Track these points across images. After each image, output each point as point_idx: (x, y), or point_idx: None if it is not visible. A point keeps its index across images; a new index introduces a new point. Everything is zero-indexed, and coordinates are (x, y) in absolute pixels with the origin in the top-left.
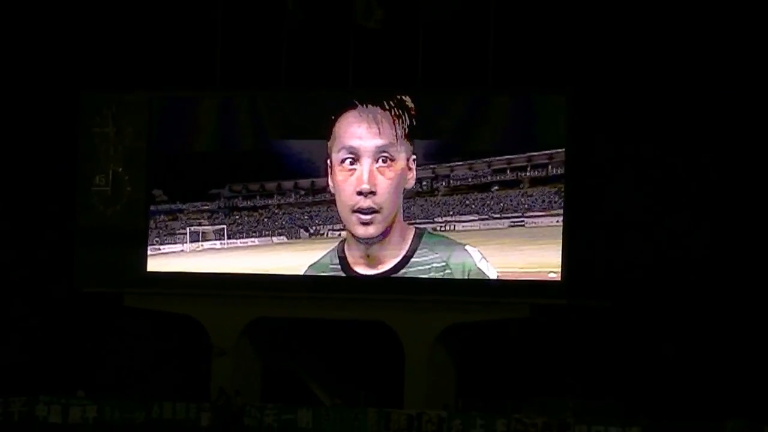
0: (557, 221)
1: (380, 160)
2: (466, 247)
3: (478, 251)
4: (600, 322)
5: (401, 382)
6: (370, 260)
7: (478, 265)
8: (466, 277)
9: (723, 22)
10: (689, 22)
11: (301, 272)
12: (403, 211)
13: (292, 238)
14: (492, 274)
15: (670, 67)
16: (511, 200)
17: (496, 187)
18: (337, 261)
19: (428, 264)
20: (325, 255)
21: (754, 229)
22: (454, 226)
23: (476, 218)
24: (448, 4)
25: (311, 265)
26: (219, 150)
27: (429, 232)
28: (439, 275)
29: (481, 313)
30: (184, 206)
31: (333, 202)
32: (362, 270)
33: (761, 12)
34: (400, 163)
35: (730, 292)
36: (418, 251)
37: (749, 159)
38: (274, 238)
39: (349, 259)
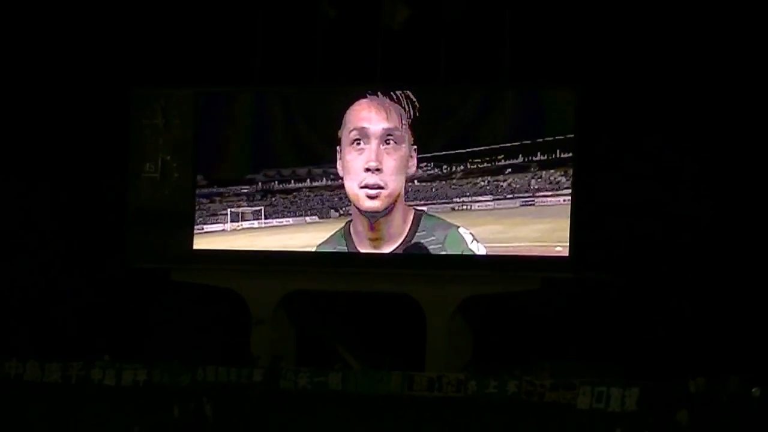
0: (564, 200)
1: (386, 142)
2: (459, 229)
3: (470, 233)
4: (603, 293)
5: (423, 348)
6: (375, 241)
7: (470, 246)
8: (453, 252)
9: (720, 21)
10: (686, 23)
11: (318, 244)
12: (417, 192)
13: (323, 218)
14: (479, 250)
15: (669, 63)
16: (522, 182)
17: (508, 170)
18: (344, 243)
19: (428, 245)
20: (332, 235)
21: (745, 210)
22: (471, 206)
23: (490, 199)
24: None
25: (320, 243)
26: (255, 139)
27: (427, 215)
28: (438, 249)
29: (497, 286)
30: (224, 190)
31: None
32: (364, 248)
33: (759, 12)
34: (404, 148)
35: (721, 265)
36: (417, 233)
37: (742, 147)
38: (307, 218)
39: (355, 240)
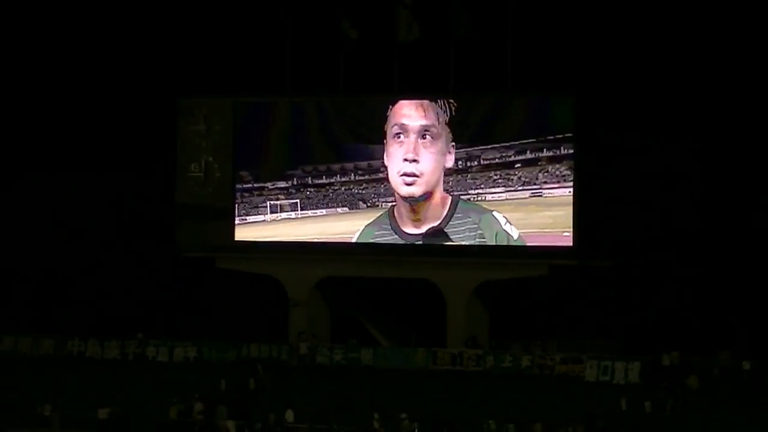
0: (569, 192)
1: (423, 137)
2: (494, 213)
3: (504, 216)
4: (604, 277)
5: (444, 327)
6: (416, 221)
7: (504, 228)
8: (494, 237)
9: (700, 29)
10: (667, 34)
11: (358, 236)
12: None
13: (352, 209)
14: (515, 234)
15: (655, 70)
16: (530, 175)
17: (518, 165)
18: (389, 222)
19: (464, 225)
20: (379, 217)
21: (731, 200)
22: (485, 196)
23: (503, 190)
24: (470, 21)
25: (368, 224)
26: (293, 140)
27: (463, 201)
28: (472, 234)
29: (509, 272)
30: (264, 184)
31: (385, 179)
32: (408, 228)
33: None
34: (441, 143)
35: (711, 250)
36: (455, 215)
37: (727, 141)
38: (339, 209)
39: (397, 219)
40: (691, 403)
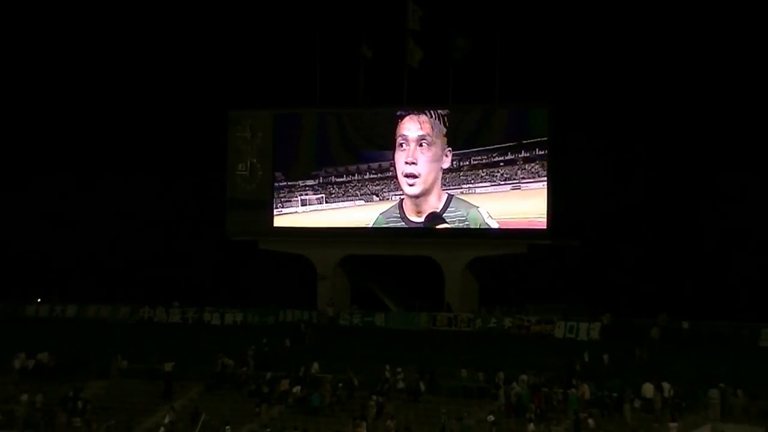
0: (542, 185)
1: (420, 145)
2: (479, 208)
3: (486, 211)
4: (572, 254)
5: (442, 295)
6: (418, 211)
7: (486, 221)
8: (479, 227)
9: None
10: (620, 59)
11: (374, 220)
12: (442, 182)
13: (367, 201)
14: (494, 226)
15: (615, 89)
16: (511, 173)
17: (501, 164)
18: (398, 212)
19: (455, 216)
20: (391, 206)
21: (674, 195)
22: (475, 190)
23: (489, 185)
24: (464, 47)
25: (381, 213)
26: (318, 145)
27: (456, 197)
28: (462, 224)
29: (495, 250)
30: (295, 182)
31: (394, 177)
32: (412, 217)
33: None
34: (436, 149)
35: (656, 234)
36: (449, 208)
37: (669, 146)
38: (356, 202)
39: (405, 210)
40: (653, 351)
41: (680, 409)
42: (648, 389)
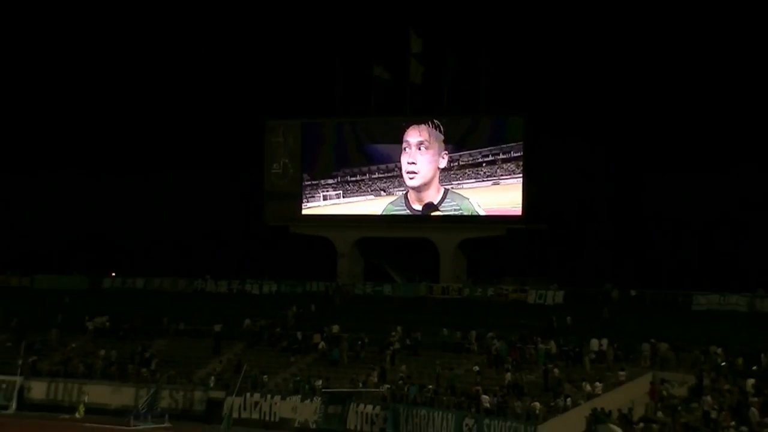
0: (518, 181)
1: (419, 148)
2: (470, 199)
3: (476, 201)
4: (541, 236)
5: (437, 269)
6: (420, 201)
7: (476, 209)
8: (470, 214)
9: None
10: (583, 75)
11: (383, 210)
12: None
13: (377, 196)
14: (482, 212)
15: (580, 100)
16: (492, 171)
17: (484, 163)
18: (403, 201)
19: (450, 206)
20: (397, 198)
21: (627, 189)
22: (463, 185)
23: (474, 181)
24: (456, 67)
25: (389, 204)
26: (337, 149)
27: (451, 191)
28: (456, 212)
29: (481, 232)
30: (318, 180)
31: (399, 176)
32: (414, 205)
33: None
34: (433, 151)
35: (610, 219)
36: (445, 200)
37: (624, 147)
38: (367, 196)
39: (409, 200)
40: (614, 310)
41: (621, 360)
42: (594, 344)
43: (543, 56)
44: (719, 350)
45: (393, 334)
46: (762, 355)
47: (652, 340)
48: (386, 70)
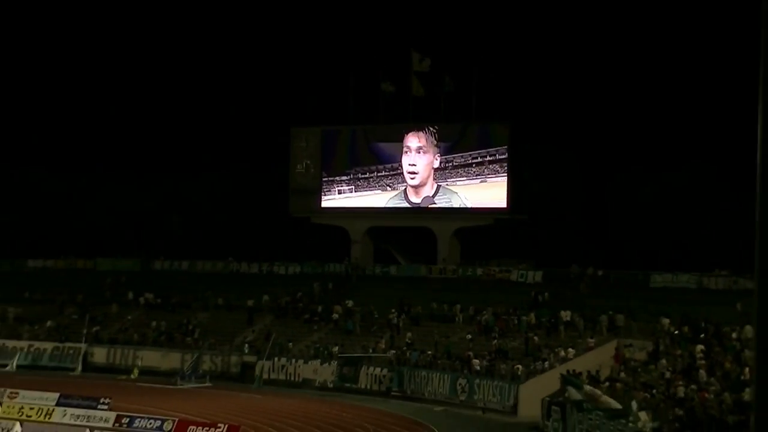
0: (502, 179)
1: (418, 152)
2: (459, 194)
3: (465, 196)
4: (522, 225)
5: (435, 253)
6: (417, 195)
7: (464, 203)
8: (459, 206)
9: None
10: (563, 85)
11: (387, 202)
12: (434, 177)
13: (383, 191)
14: (469, 205)
15: (556, 110)
16: (480, 170)
17: (473, 164)
18: (403, 195)
19: (442, 199)
20: (398, 193)
21: (595, 185)
22: (456, 182)
23: (465, 179)
24: (451, 82)
25: (391, 197)
26: (350, 151)
27: (443, 187)
28: (448, 205)
29: (472, 222)
30: (334, 178)
31: (400, 173)
32: (412, 198)
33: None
34: (430, 154)
35: (582, 211)
36: (438, 194)
37: (594, 150)
38: (376, 191)
39: (408, 194)
40: (591, 285)
41: (589, 329)
42: (565, 315)
43: (525, 74)
44: (671, 321)
45: (396, 309)
46: (708, 324)
47: (610, 312)
48: (392, 84)
